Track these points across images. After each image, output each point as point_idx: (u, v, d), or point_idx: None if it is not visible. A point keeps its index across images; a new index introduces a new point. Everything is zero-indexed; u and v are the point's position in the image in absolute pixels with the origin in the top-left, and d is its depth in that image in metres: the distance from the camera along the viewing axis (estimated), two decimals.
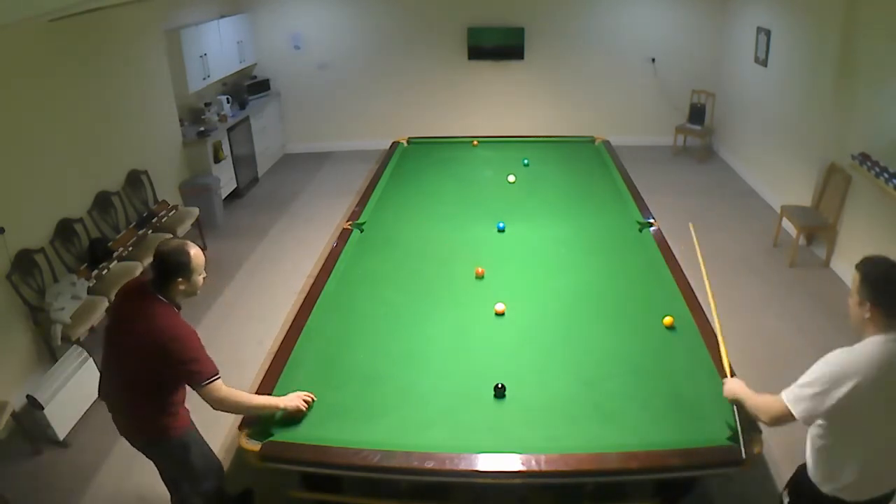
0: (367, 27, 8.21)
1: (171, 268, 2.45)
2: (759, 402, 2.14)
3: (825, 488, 2.05)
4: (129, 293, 2.59)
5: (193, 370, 2.43)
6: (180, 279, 2.46)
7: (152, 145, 5.81)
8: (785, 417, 2.01)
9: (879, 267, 1.97)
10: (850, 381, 1.86)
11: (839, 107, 5.23)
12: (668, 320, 3.06)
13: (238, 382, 4.06)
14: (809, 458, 2.10)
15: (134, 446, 2.67)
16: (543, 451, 2.29)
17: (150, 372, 2.43)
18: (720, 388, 2.58)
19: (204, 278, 2.55)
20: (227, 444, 3.60)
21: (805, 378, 1.96)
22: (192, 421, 2.69)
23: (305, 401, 2.56)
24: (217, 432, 3.69)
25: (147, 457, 2.72)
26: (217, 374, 2.48)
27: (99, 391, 2.70)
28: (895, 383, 1.87)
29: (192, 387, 2.48)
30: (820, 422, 1.96)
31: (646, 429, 2.43)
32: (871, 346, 1.91)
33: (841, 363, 1.91)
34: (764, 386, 3.89)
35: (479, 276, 3.38)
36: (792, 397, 1.98)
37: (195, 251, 2.48)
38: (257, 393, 2.65)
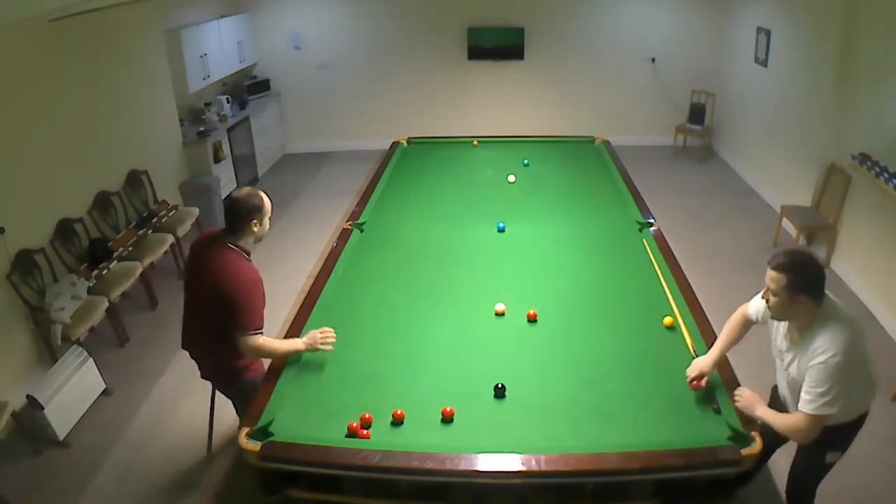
0: (367, 27, 8.21)
1: (245, 210, 2.67)
2: (784, 426, 2.34)
3: (852, 417, 2.43)
4: (204, 243, 2.78)
5: (241, 319, 2.63)
6: (254, 220, 2.70)
7: (152, 145, 5.81)
8: (820, 426, 2.27)
9: (804, 264, 2.23)
10: (849, 362, 2.22)
11: (839, 107, 5.23)
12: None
13: None
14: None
15: (217, 387, 3.13)
16: (543, 451, 2.28)
17: (218, 312, 2.65)
18: (720, 388, 2.58)
19: (266, 229, 2.79)
20: (227, 444, 3.60)
21: (820, 388, 2.21)
22: (265, 367, 2.88)
23: (326, 340, 2.78)
24: (217, 432, 3.69)
25: (227, 396, 3.08)
26: (260, 328, 2.70)
27: (182, 343, 2.97)
28: (860, 333, 2.31)
29: (233, 333, 2.66)
30: None
31: (646, 429, 2.43)
32: (842, 320, 2.26)
33: (845, 357, 2.21)
34: (764, 386, 3.89)
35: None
36: (818, 408, 2.22)
37: (265, 196, 2.74)
38: (258, 392, 2.65)
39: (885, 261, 4.58)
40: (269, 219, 2.79)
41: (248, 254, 2.76)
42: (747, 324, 2.69)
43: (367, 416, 2.49)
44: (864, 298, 4.84)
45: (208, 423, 3.58)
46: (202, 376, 3.00)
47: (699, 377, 2.59)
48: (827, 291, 2.30)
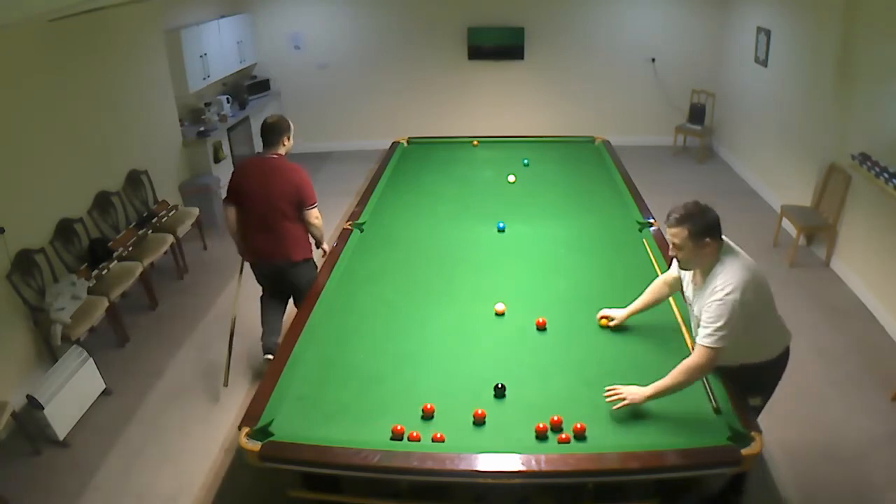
0: (368, 27, 8.21)
1: (281, 129, 3.71)
2: (679, 374, 2.42)
3: (771, 355, 2.61)
4: (256, 163, 3.77)
5: (310, 196, 3.73)
6: (286, 136, 3.73)
7: (152, 145, 5.81)
8: (716, 360, 2.40)
9: (697, 212, 2.40)
10: (748, 299, 2.36)
11: (839, 107, 5.23)
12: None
13: (238, 381, 4.09)
14: (740, 359, 2.52)
15: (285, 269, 3.82)
16: (543, 451, 2.29)
17: (292, 201, 3.67)
18: (720, 389, 2.58)
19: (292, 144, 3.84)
20: (227, 444, 3.60)
21: (717, 323, 2.35)
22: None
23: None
24: (217, 432, 3.70)
25: (289, 278, 3.85)
26: (317, 203, 3.78)
27: (245, 254, 3.95)
28: (759, 275, 2.44)
29: (304, 208, 3.70)
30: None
31: (646, 429, 2.43)
32: (739, 262, 2.42)
33: (739, 293, 2.35)
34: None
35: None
36: (714, 341, 2.36)
37: (291, 125, 3.78)
38: (258, 392, 2.65)
39: (885, 261, 4.58)
40: (292, 138, 3.80)
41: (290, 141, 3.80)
42: (669, 282, 2.91)
43: (429, 406, 2.51)
44: (864, 298, 4.84)
45: (227, 354, 4.13)
46: (270, 267, 3.86)
47: (608, 317, 2.98)
48: (727, 239, 2.49)
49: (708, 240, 2.39)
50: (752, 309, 2.38)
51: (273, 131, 3.69)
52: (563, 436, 2.37)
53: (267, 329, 3.96)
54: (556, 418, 2.42)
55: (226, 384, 4.10)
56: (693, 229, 2.38)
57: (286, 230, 3.73)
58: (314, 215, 3.75)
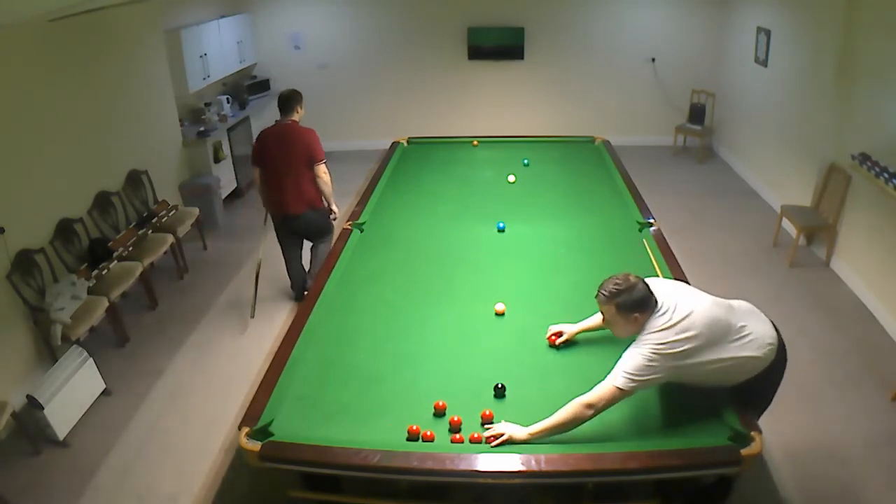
0: (367, 27, 8.21)
1: (294, 99, 4.49)
2: (569, 412, 2.33)
3: (756, 372, 2.49)
4: (277, 129, 4.49)
5: (320, 153, 4.45)
6: (299, 106, 4.50)
7: (152, 145, 5.81)
8: (616, 400, 2.34)
9: (623, 289, 2.41)
10: (667, 350, 2.32)
11: (839, 107, 5.23)
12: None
13: (238, 381, 4.09)
14: (731, 379, 2.48)
15: (302, 217, 4.57)
16: (543, 451, 2.29)
17: (305, 159, 4.41)
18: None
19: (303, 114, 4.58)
20: (227, 444, 3.60)
21: (635, 372, 2.31)
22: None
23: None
24: (217, 432, 3.70)
25: (304, 224, 4.61)
26: (325, 160, 4.51)
27: (270, 209, 4.68)
28: (699, 317, 2.37)
29: (315, 164, 4.44)
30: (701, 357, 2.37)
31: (646, 429, 2.43)
32: (658, 323, 2.37)
33: (646, 355, 2.31)
34: None
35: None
36: (624, 383, 2.31)
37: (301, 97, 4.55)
38: (258, 391, 2.65)
39: (885, 261, 4.58)
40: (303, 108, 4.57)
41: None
42: None
43: (440, 403, 2.53)
44: (864, 298, 4.84)
45: (254, 292, 4.88)
46: (289, 218, 4.58)
47: (558, 334, 2.93)
48: (667, 286, 2.53)
49: (636, 315, 2.39)
50: (695, 350, 2.33)
51: (288, 101, 4.48)
52: (457, 436, 2.40)
53: (294, 282, 4.92)
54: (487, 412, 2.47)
55: (252, 316, 4.80)
56: (621, 306, 2.40)
57: (301, 185, 4.47)
58: (322, 170, 4.46)
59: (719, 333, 2.39)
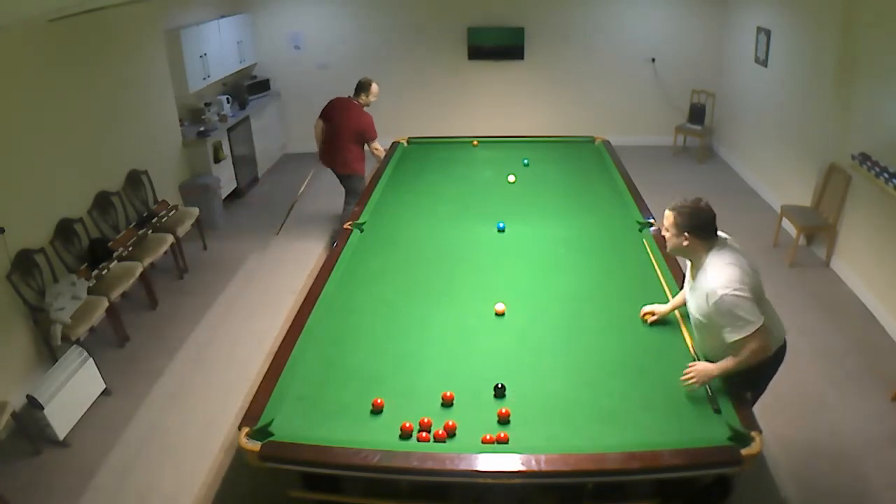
0: (367, 27, 8.21)
1: (364, 86, 5.54)
2: (741, 361, 2.51)
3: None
4: (345, 102, 5.59)
5: (372, 133, 5.57)
6: (364, 93, 5.55)
7: (152, 145, 5.81)
8: (763, 336, 2.48)
9: (691, 207, 2.56)
10: (750, 288, 2.48)
11: (839, 107, 5.23)
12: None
13: (238, 381, 4.09)
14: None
15: (341, 176, 5.76)
16: (543, 451, 2.28)
17: (354, 133, 5.52)
18: (721, 389, 2.58)
19: (373, 100, 5.62)
20: (227, 444, 3.60)
21: (742, 318, 2.44)
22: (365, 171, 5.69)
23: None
24: (217, 432, 3.70)
25: (343, 182, 5.81)
26: (377, 137, 5.62)
27: (324, 159, 5.78)
28: (747, 272, 2.52)
29: (368, 140, 5.56)
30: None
31: (646, 429, 2.43)
32: (723, 259, 2.52)
33: (741, 289, 2.45)
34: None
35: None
36: (747, 327, 2.45)
37: (374, 84, 5.59)
38: (258, 391, 2.65)
39: (885, 261, 4.58)
40: (374, 96, 5.58)
41: (364, 106, 5.56)
42: None
43: (448, 393, 2.57)
44: (864, 298, 4.84)
45: (285, 216, 6.22)
46: (339, 175, 5.77)
47: (651, 313, 3.06)
48: (725, 236, 2.64)
49: (686, 234, 2.55)
50: (748, 299, 2.47)
51: (360, 85, 5.57)
52: (424, 435, 2.41)
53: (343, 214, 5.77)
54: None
55: (277, 234, 6.09)
56: (677, 220, 2.57)
57: (345, 153, 5.57)
58: (375, 146, 5.56)
59: (759, 293, 2.57)
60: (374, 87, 5.54)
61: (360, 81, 5.56)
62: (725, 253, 2.55)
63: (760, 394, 2.85)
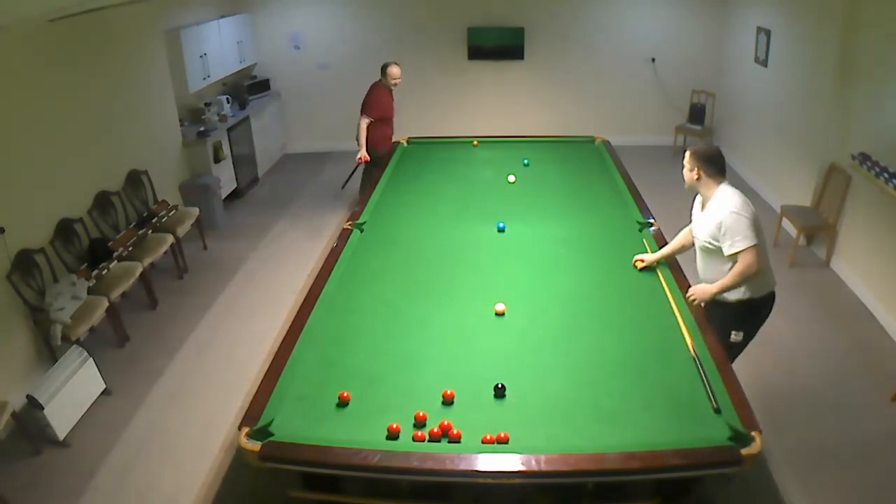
0: (367, 27, 8.21)
1: (383, 68, 5.80)
2: (735, 274, 2.96)
3: (758, 294, 3.07)
4: (377, 82, 5.92)
5: (364, 106, 5.83)
6: (383, 76, 5.86)
7: (152, 145, 5.81)
8: (755, 255, 2.92)
9: (705, 148, 3.13)
10: (751, 214, 2.96)
11: (839, 106, 5.23)
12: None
13: (238, 381, 4.09)
14: (740, 287, 3.02)
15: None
16: (543, 451, 2.28)
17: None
18: (720, 389, 2.58)
19: (395, 84, 5.90)
20: (227, 444, 3.60)
21: (740, 233, 2.91)
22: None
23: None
24: (217, 432, 3.70)
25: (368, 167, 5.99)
26: (370, 116, 5.82)
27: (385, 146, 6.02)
28: (751, 207, 3.01)
29: (361, 113, 5.85)
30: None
31: (646, 429, 2.43)
32: (729, 190, 3.04)
33: (743, 211, 2.94)
34: (764, 387, 3.90)
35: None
36: (742, 243, 2.91)
37: (395, 67, 5.85)
38: (258, 391, 2.65)
39: (885, 261, 4.58)
40: (392, 78, 5.82)
41: (388, 82, 5.87)
42: (692, 230, 3.34)
43: (449, 392, 2.59)
44: (864, 298, 4.84)
45: (351, 172, 6.69)
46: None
47: (640, 260, 3.53)
48: (730, 186, 3.09)
49: (697, 168, 3.06)
50: (751, 227, 2.93)
51: (382, 68, 5.87)
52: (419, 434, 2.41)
53: None
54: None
55: (342, 188, 7.00)
56: (692, 157, 3.09)
57: (383, 130, 6.03)
58: (360, 122, 5.83)
59: (758, 226, 2.99)
60: (392, 69, 5.76)
61: (385, 64, 5.87)
62: (731, 187, 3.06)
63: (750, 339, 3.19)
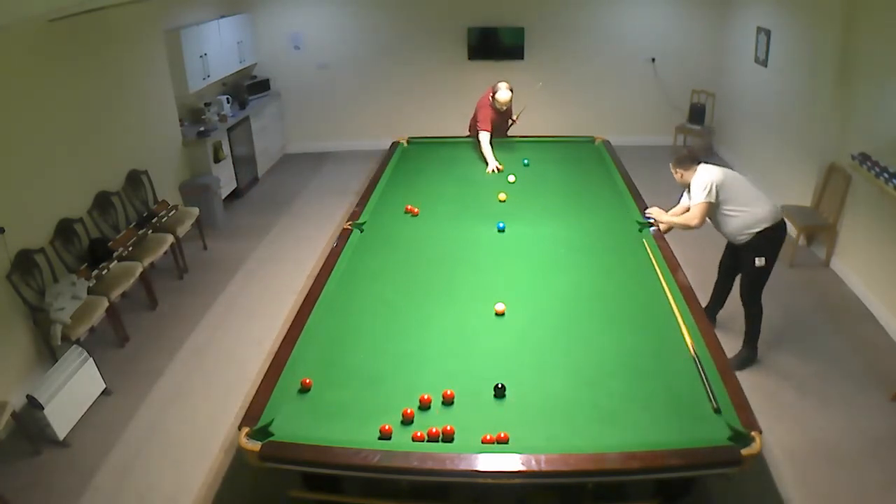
0: (367, 27, 8.21)
1: (490, 88, 5.56)
2: (683, 218, 3.88)
3: (761, 226, 3.75)
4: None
5: (475, 120, 5.60)
6: (491, 95, 5.53)
7: (152, 145, 5.81)
8: (704, 212, 3.74)
9: (677, 156, 3.96)
10: (716, 179, 3.74)
11: (839, 107, 5.23)
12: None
13: (238, 381, 4.09)
14: (742, 229, 3.78)
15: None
16: (543, 451, 2.29)
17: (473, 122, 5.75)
18: (720, 388, 2.58)
19: (501, 104, 5.51)
20: (227, 444, 3.60)
21: (698, 193, 3.73)
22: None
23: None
24: (217, 432, 3.70)
25: None
26: (487, 130, 5.42)
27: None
28: (727, 171, 3.84)
29: (479, 128, 5.49)
30: (724, 206, 3.77)
31: (646, 429, 2.43)
32: (700, 168, 3.82)
33: (701, 179, 3.74)
34: (763, 387, 3.90)
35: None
36: (698, 199, 3.74)
37: (503, 90, 5.45)
38: (258, 391, 2.65)
39: (885, 261, 4.58)
40: (498, 100, 5.45)
41: (495, 104, 5.49)
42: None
43: (448, 392, 2.59)
44: (864, 298, 4.84)
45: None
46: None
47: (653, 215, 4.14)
48: (706, 164, 3.85)
49: (679, 171, 3.88)
50: (728, 187, 3.71)
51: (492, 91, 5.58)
52: (418, 434, 2.41)
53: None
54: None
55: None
56: (673, 164, 3.91)
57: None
58: (483, 136, 5.44)
59: (738, 186, 3.78)
60: (500, 93, 5.37)
61: (494, 85, 5.51)
62: (703, 165, 3.83)
63: (772, 264, 3.85)
